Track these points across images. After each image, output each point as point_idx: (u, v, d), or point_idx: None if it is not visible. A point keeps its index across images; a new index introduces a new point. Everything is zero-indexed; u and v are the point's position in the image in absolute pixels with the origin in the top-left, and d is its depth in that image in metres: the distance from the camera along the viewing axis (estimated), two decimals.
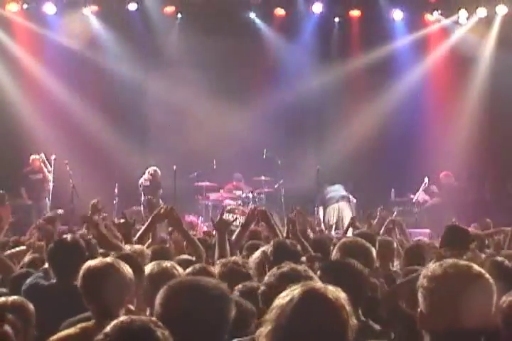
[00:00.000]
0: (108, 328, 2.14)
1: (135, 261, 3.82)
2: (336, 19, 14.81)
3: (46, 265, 4.57)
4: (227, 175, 13.92)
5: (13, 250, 6.15)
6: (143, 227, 5.39)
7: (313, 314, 2.20)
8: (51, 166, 12.77)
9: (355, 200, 13.58)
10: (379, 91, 14.65)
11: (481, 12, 14.21)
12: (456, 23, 14.55)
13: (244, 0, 14.20)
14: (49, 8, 13.79)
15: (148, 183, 12.94)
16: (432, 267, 2.32)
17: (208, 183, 13.42)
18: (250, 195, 13.42)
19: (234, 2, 14.19)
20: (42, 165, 12.82)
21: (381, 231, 7.15)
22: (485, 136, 14.03)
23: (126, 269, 3.42)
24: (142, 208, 12.74)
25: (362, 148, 14.02)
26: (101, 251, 4.74)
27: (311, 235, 6.78)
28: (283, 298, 2.27)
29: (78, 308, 3.55)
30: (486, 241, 6.64)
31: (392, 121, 14.19)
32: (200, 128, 14.05)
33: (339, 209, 13.40)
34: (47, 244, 5.21)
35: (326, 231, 9.51)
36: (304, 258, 4.31)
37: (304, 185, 14.00)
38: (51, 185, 12.74)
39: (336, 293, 2.26)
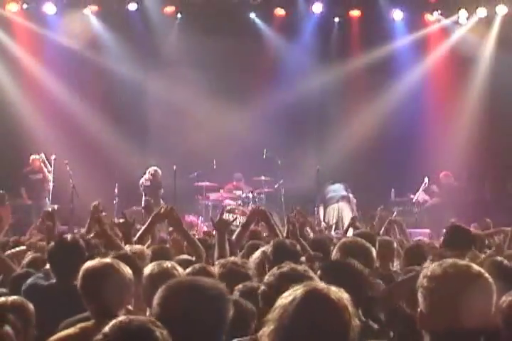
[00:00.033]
0: (107, 328, 2.15)
1: (133, 261, 3.83)
2: (336, 19, 14.80)
3: (47, 266, 4.57)
4: (227, 175, 13.93)
5: (13, 250, 6.15)
6: (143, 227, 5.38)
7: (316, 314, 2.20)
8: (51, 166, 12.78)
9: (355, 200, 13.58)
10: (379, 91, 14.64)
11: (481, 12, 14.21)
12: (456, 23, 14.55)
13: (245, 0, 14.19)
14: (49, 8, 13.79)
15: (148, 183, 12.94)
16: (432, 267, 2.32)
17: (207, 183, 13.42)
18: (250, 195, 13.43)
19: (234, 2, 14.19)
20: (42, 165, 12.83)
21: (381, 231, 7.15)
22: (485, 135, 14.03)
23: (126, 269, 3.42)
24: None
25: (362, 148, 14.02)
26: (103, 250, 4.75)
27: (311, 235, 6.78)
28: (285, 298, 2.27)
29: (78, 308, 3.55)
30: (486, 241, 6.63)
31: (392, 121, 14.19)
32: (200, 128, 14.04)
33: (339, 210, 13.42)
34: (48, 240, 5.20)
35: (326, 231, 9.49)
36: (303, 258, 4.31)
37: (304, 185, 14.00)
38: (51, 185, 12.74)
39: (339, 293, 2.26)
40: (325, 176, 13.63)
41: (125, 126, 13.99)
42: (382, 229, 7.28)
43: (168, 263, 3.78)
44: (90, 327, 3.19)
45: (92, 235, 5.40)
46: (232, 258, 4.35)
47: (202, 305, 2.46)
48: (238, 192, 13.80)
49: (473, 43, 14.47)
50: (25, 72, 13.97)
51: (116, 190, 12.96)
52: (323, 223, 13.19)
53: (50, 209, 6.23)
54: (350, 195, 13.60)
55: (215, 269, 4.05)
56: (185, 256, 5.10)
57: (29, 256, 5.62)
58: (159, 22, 14.42)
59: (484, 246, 6.26)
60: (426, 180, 13.51)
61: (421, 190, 13.61)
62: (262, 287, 3.15)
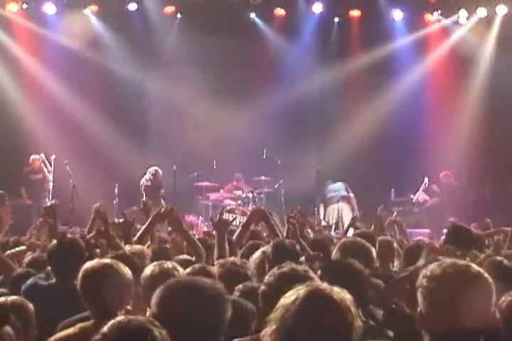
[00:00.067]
0: (105, 328, 2.15)
1: (132, 261, 3.83)
2: (336, 19, 14.79)
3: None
4: (227, 175, 13.92)
5: (13, 250, 6.15)
6: (143, 227, 5.38)
7: (318, 314, 2.20)
8: (51, 166, 12.77)
9: (356, 200, 13.57)
10: (379, 91, 14.64)
11: (481, 12, 14.21)
12: (456, 23, 14.54)
13: (245, 0, 14.19)
14: (49, 8, 13.78)
15: (149, 183, 12.94)
16: (431, 267, 2.32)
17: (207, 183, 13.42)
18: (250, 195, 13.42)
19: (234, 2, 14.18)
20: (42, 165, 12.83)
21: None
22: (485, 135, 14.03)
23: (125, 270, 3.43)
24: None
25: (362, 147, 14.03)
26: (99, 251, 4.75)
27: (311, 235, 6.78)
28: (288, 298, 2.27)
29: (78, 308, 3.55)
30: (486, 241, 6.63)
31: (392, 121, 14.19)
32: (200, 128, 14.05)
33: (339, 210, 13.42)
34: (50, 238, 5.19)
35: (326, 231, 9.49)
36: (302, 258, 4.31)
37: (304, 185, 14.00)
38: (51, 185, 12.74)
39: (342, 294, 2.26)
40: (325, 176, 13.65)
41: (125, 126, 13.99)
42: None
43: (168, 264, 3.78)
44: (90, 327, 3.19)
45: (91, 235, 5.40)
46: (232, 259, 4.35)
47: (200, 305, 2.46)
48: (238, 192, 13.80)
49: (473, 43, 14.46)
50: (25, 72, 13.96)
51: (116, 190, 12.95)
52: (323, 221, 13.21)
53: (50, 204, 6.12)
54: (351, 195, 13.59)
55: (215, 269, 4.05)
56: (185, 256, 5.10)
57: (29, 256, 5.63)
58: (159, 22, 14.41)
59: (484, 246, 6.25)
60: (426, 180, 13.51)
61: (421, 190, 13.60)
62: (262, 287, 3.15)
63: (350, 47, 14.90)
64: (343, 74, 14.57)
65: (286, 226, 6.26)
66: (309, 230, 7.04)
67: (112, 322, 2.17)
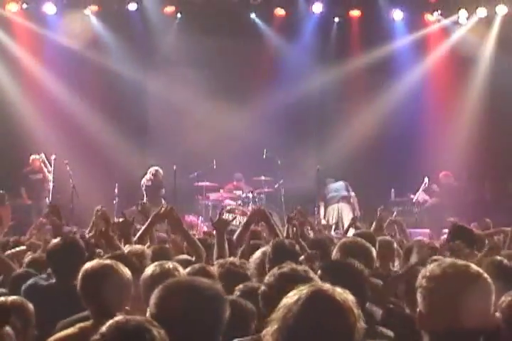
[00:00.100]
0: (104, 328, 2.15)
1: (130, 261, 3.83)
2: (336, 19, 14.80)
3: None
4: (227, 175, 13.92)
5: (13, 250, 6.14)
6: (142, 228, 5.38)
7: (320, 314, 2.20)
8: (51, 166, 12.77)
9: (356, 199, 13.55)
10: (379, 91, 14.65)
11: (481, 12, 14.20)
12: (456, 23, 14.54)
13: (245, 0, 14.19)
14: (49, 8, 13.78)
15: (150, 183, 12.93)
16: (431, 267, 2.32)
17: (207, 183, 13.42)
18: (250, 195, 13.42)
19: (234, 2, 14.18)
20: (42, 165, 12.83)
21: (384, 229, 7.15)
22: (485, 135, 14.03)
23: (125, 270, 3.43)
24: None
25: (362, 147, 14.03)
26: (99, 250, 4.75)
27: (311, 235, 6.78)
28: (290, 298, 2.27)
29: (77, 308, 3.55)
30: (486, 241, 6.62)
31: (392, 121, 14.19)
32: (200, 128, 14.05)
33: (339, 210, 13.41)
34: (55, 237, 5.17)
35: (326, 231, 9.48)
36: (302, 257, 4.31)
37: (304, 185, 14.00)
38: (51, 185, 12.74)
39: (344, 295, 2.26)
40: (325, 176, 13.64)
41: (125, 125, 13.98)
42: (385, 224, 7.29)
43: (169, 264, 3.78)
44: (89, 327, 3.19)
45: (91, 234, 5.39)
46: (231, 259, 4.35)
47: (199, 305, 2.46)
48: (238, 192, 13.79)
49: (473, 43, 14.46)
50: (25, 72, 13.96)
51: (116, 190, 12.95)
52: (323, 220, 13.21)
53: (54, 203, 6.03)
54: (352, 194, 13.56)
55: (214, 269, 4.05)
56: (184, 256, 5.10)
57: (29, 256, 5.63)
58: (159, 22, 14.41)
59: (484, 247, 6.25)
60: (426, 180, 13.50)
61: (421, 190, 13.60)
62: (262, 287, 3.15)
63: (350, 47, 14.89)
64: (343, 74, 14.57)
65: (286, 226, 6.27)
66: (309, 230, 7.03)
67: (110, 322, 2.17)
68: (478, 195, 14.43)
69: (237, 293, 3.61)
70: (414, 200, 13.63)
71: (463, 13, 14.30)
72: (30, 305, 3.46)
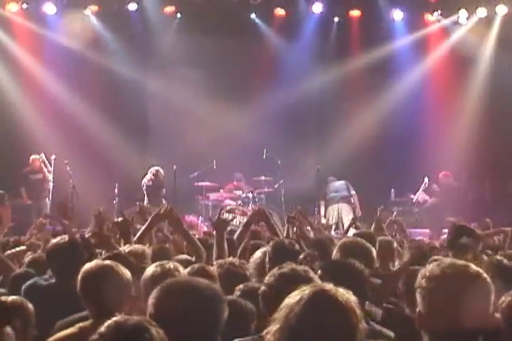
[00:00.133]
0: (102, 328, 2.15)
1: (128, 261, 3.82)
2: (336, 19, 14.80)
3: None
4: (227, 175, 13.92)
5: (13, 250, 6.14)
6: (142, 228, 5.37)
7: (322, 315, 2.20)
8: (51, 166, 12.78)
9: (357, 197, 13.52)
10: (379, 91, 14.64)
11: (481, 12, 14.20)
12: (456, 23, 14.54)
13: (245, 0, 14.18)
14: (49, 8, 13.78)
15: (150, 183, 12.93)
16: (430, 267, 2.32)
17: (208, 183, 13.42)
18: (250, 195, 13.42)
19: (234, 2, 14.18)
20: (42, 165, 12.83)
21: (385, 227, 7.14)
22: (485, 135, 14.03)
23: (125, 271, 3.43)
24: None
25: (362, 147, 14.03)
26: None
27: (311, 235, 6.78)
28: (293, 298, 2.27)
29: (77, 308, 3.55)
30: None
31: (392, 121, 14.19)
32: (200, 128, 14.05)
33: (339, 210, 13.40)
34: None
35: (326, 231, 9.48)
36: (301, 256, 4.31)
37: (304, 185, 14.00)
38: (51, 185, 12.74)
39: (347, 295, 2.26)
40: (325, 176, 13.64)
41: (125, 125, 13.99)
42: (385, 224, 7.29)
43: (170, 265, 3.77)
44: (89, 327, 3.19)
45: (89, 234, 5.36)
46: (230, 259, 4.35)
47: (197, 306, 2.46)
48: (238, 192, 13.79)
49: (473, 43, 14.46)
50: (25, 72, 13.96)
51: (116, 190, 12.96)
52: (323, 218, 13.20)
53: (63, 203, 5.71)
54: (353, 192, 13.53)
55: (213, 269, 4.05)
56: (184, 256, 5.10)
57: (29, 256, 5.62)
58: (159, 22, 14.41)
59: (484, 247, 6.25)
60: (426, 180, 13.51)
61: (421, 190, 13.60)
62: (263, 287, 3.15)
63: (350, 47, 14.89)
64: (343, 74, 14.57)
65: (286, 226, 6.27)
66: (310, 230, 7.03)
67: (108, 322, 2.17)
68: (478, 194, 14.42)
69: (237, 292, 3.61)
70: (414, 200, 13.63)
71: (463, 13, 14.29)
72: (30, 305, 3.46)
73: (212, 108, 13.98)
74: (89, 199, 11.34)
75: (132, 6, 14.01)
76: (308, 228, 6.96)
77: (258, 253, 4.43)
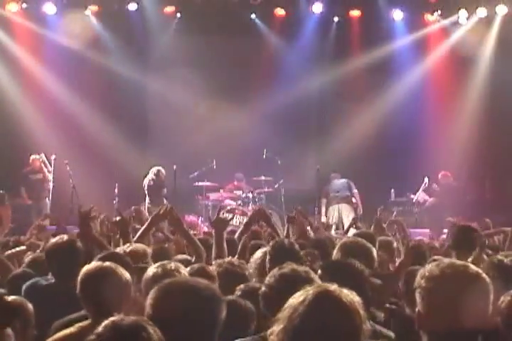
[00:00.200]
0: (99, 328, 2.15)
1: (123, 260, 3.82)
2: (336, 19, 14.79)
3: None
4: (227, 175, 13.91)
5: (13, 250, 6.14)
6: (142, 228, 5.36)
7: (326, 315, 2.20)
8: (51, 166, 12.78)
9: (359, 197, 13.50)
10: (379, 91, 14.64)
11: (481, 12, 14.20)
12: (456, 23, 14.53)
13: (245, 0, 14.18)
14: (49, 8, 13.78)
15: (152, 183, 12.93)
16: (429, 267, 2.32)
17: (208, 183, 13.42)
18: (250, 195, 13.42)
19: (234, 2, 14.18)
20: (42, 165, 12.83)
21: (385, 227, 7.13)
22: (485, 135, 14.04)
23: (124, 272, 3.43)
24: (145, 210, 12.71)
25: (362, 148, 14.02)
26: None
27: (311, 234, 6.78)
28: (296, 298, 2.27)
29: (77, 308, 3.55)
30: (486, 242, 6.60)
31: (392, 121, 14.19)
32: (200, 128, 14.05)
33: (339, 210, 13.38)
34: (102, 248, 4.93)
35: (326, 231, 9.48)
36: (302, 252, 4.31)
37: (304, 185, 14.01)
38: (51, 185, 12.74)
39: (351, 296, 2.26)
40: (325, 176, 13.63)
41: (125, 125, 13.98)
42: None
43: (172, 265, 3.76)
44: (88, 327, 3.19)
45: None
46: (229, 259, 4.35)
47: (195, 306, 2.45)
48: (238, 192, 13.79)
49: (473, 43, 14.45)
50: (25, 72, 13.96)
51: (116, 190, 12.95)
52: (323, 217, 13.18)
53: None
54: (355, 191, 13.49)
55: (212, 269, 4.04)
56: (184, 256, 5.09)
57: (29, 256, 5.62)
58: (159, 22, 14.40)
59: (484, 247, 6.25)
60: (426, 180, 13.50)
61: (421, 190, 13.59)
62: (263, 288, 3.15)
63: (350, 47, 14.88)
64: (343, 74, 14.56)
65: (286, 226, 6.27)
66: (309, 230, 7.03)
67: (106, 322, 2.17)
68: (478, 194, 14.42)
69: (237, 292, 3.61)
70: (414, 200, 13.62)
71: (463, 13, 14.29)
72: (30, 306, 3.46)
73: (212, 108, 13.98)
74: (89, 199, 11.33)
75: (132, 6, 14.01)
76: (308, 228, 6.96)
77: (258, 253, 4.43)
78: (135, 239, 5.07)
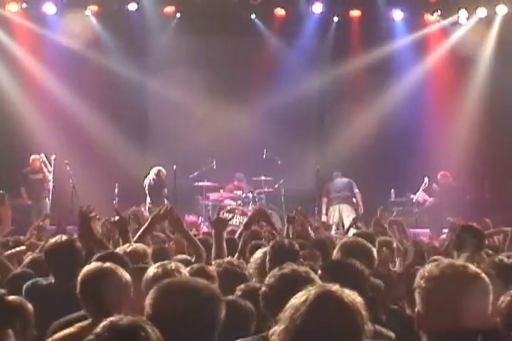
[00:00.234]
0: (98, 328, 2.16)
1: (122, 260, 3.82)
2: (336, 19, 14.79)
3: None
4: (227, 175, 13.92)
5: (13, 250, 6.14)
6: (142, 228, 5.36)
7: (328, 315, 2.20)
8: (51, 166, 12.78)
9: (361, 197, 13.49)
10: (379, 91, 14.64)
11: (481, 12, 14.20)
12: (456, 23, 14.53)
13: (245, 0, 14.18)
14: (49, 8, 13.78)
15: (152, 183, 12.93)
16: (429, 267, 2.32)
17: (208, 183, 13.42)
18: (250, 195, 13.42)
19: (234, 2, 14.17)
20: (42, 165, 12.83)
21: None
22: (484, 135, 14.04)
23: (123, 272, 3.43)
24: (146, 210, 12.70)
25: (362, 148, 14.03)
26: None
27: (312, 234, 6.78)
28: (298, 298, 2.27)
29: (77, 308, 3.55)
30: (486, 242, 6.60)
31: (392, 121, 14.19)
32: (200, 128, 14.05)
33: (340, 211, 13.38)
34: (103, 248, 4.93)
35: (326, 231, 9.47)
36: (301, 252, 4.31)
37: (304, 185, 14.01)
38: (51, 185, 12.74)
39: (352, 296, 2.26)
40: (325, 176, 13.62)
41: (125, 125, 13.98)
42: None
43: (172, 265, 3.75)
44: (88, 326, 3.19)
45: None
46: (228, 258, 4.35)
47: (194, 306, 2.45)
48: (238, 192, 13.79)
49: (473, 43, 14.45)
50: (25, 72, 13.96)
51: (116, 190, 12.96)
52: (324, 216, 13.16)
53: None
54: (356, 190, 13.47)
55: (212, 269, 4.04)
56: (184, 256, 5.09)
57: (29, 256, 5.62)
58: (159, 22, 14.41)
59: (484, 246, 6.25)
60: (426, 180, 13.50)
61: (421, 190, 13.59)
62: (263, 288, 3.15)
63: (350, 47, 14.88)
64: (343, 74, 14.56)
65: (286, 226, 6.27)
66: (309, 230, 7.02)
67: (104, 322, 2.18)
68: (478, 194, 14.41)
69: (238, 292, 3.60)
70: (414, 200, 13.62)
71: (463, 13, 14.29)
72: (30, 305, 3.46)
73: (212, 108, 13.99)
74: (89, 200, 11.32)
75: (132, 6, 14.01)
76: (309, 228, 6.95)
77: (258, 253, 4.43)
78: (135, 239, 5.07)
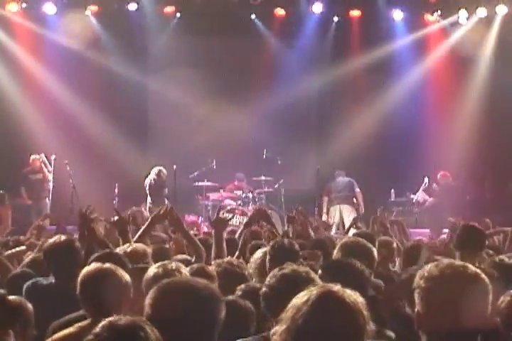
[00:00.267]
0: (97, 328, 2.16)
1: (121, 260, 3.82)
2: (336, 19, 14.79)
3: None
4: (227, 175, 13.91)
5: (13, 250, 6.14)
6: (142, 228, 5.36)
7: (329, 316, 2.20)
8: (51, 166, 12.78)
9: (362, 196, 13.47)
10: (379, 91, 14.63)
11: (481, 12, 14.20)
12: (456, 23, 14.53)
13: (245, 0, 14.18)
14: (49, 8, 13.78)
15: (153, 183, 12.93)
16: (429, 267, 2.32)
17: (208, 183, 13.42)
18: (250, 195, 13.42)
19: (234, 2, 14.17)
20: (42, 165, 12.83)
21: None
22: (485, 135, 14.04)
23: (123, 273, 3.43)
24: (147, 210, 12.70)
25: (362, 148, 14.03)
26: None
27: (312, 234, 6.78)
28: (300, 298, 2.26)
29: (77, 308, 3.55)
30: (486, 242, 6.60)
31: (392, 121, 14.19)
32: (200, 128, 14.06)
33: (340, 211, 13.37)
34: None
35: (326, 231, 9.47)
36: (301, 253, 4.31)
37: (304, 184, 14.01)
38: (51, 185, 12.74)
39: (354, 297, 2.26)
40: (325, 176, 13.62)
41: (125, 125, 13.98)
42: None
43: (172, 265, 3.75)
44: (87, 326, 3.19)
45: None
46: (228, 258, 4.35)
47: (194, 306, 2.45)
48: (238, 192, 13.79)
49: (473, 43, 14.45)
50: (25, 72, 13.96)
51: (116, 190, 12.96)
52: (324, 215, 13.15)
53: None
54: (357, 190, 13.45)
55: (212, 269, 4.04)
56: (183, 256, 5.09)
57: (29, 256, 5.62)
58: (159, 22, 14.41)
59: (484, 246, 6.25)
60: (426, 180, 13.50)
61: (421, 190, 13.59)
62: (264, 288, 3.15)
63: (350, 47, 14.88)
64: (343, 74, 14.56)
65: (286, 226, 6.27)
66: (311, 230, 7.02)
67: (103, 322, 2.18)
68: (478, 194, 14.41)
69: (238, 292, 3.60)
70: (414, 200, 13.62)
71: (463, 13, 14.29)
72: (30, 305, 3.46)
73: (212, 108, 13.99)
74: (89, 200, 11.32)
75: (132, 6, 14.01)
76: (309, 228, 6.95)
77: (258, 254, 4.43)
78: (135, 238, 5.07)
